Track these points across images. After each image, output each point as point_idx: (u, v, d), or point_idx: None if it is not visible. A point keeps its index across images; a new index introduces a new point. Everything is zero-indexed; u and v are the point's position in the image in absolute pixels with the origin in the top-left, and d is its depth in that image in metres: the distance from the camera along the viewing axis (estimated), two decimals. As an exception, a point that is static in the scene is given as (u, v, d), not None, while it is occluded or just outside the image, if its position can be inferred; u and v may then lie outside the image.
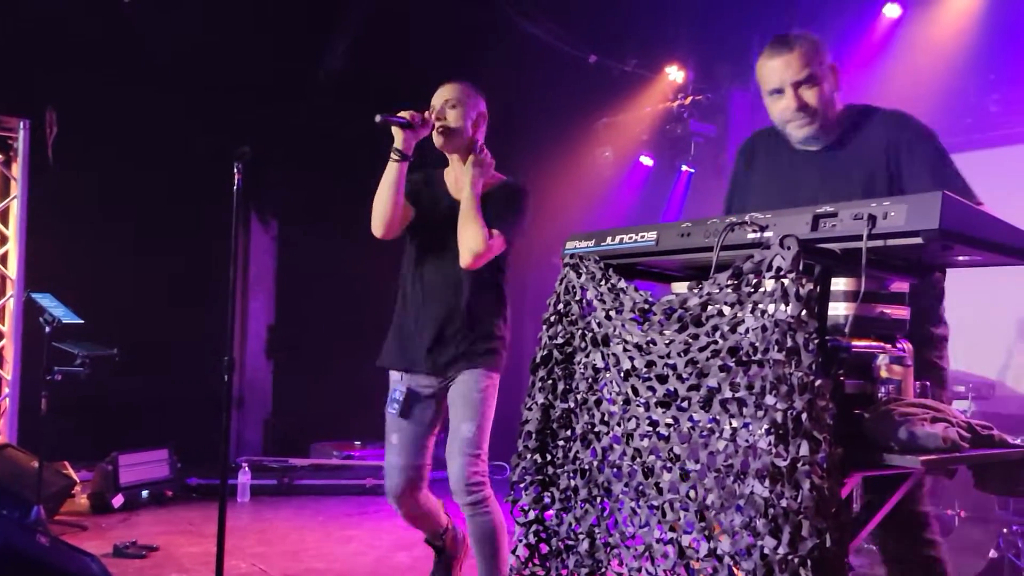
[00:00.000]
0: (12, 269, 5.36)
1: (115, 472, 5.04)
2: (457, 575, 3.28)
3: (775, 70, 2.24)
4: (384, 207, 2.97)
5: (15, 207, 5.39)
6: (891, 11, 5.34)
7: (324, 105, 6.47)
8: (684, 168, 6.06)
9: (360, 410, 6.88)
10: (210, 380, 6.80)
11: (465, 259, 2.93)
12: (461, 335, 3.00)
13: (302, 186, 6.65)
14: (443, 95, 3.10)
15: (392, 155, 2.94)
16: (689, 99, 5.91)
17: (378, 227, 3.01)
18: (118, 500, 5.01)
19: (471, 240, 2.91)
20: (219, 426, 6.74)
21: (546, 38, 5.98)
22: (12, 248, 5.39)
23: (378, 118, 2.87)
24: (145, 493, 5.22)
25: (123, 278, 6.07)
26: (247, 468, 5.71)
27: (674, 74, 6.15)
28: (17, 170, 5.37)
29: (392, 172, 2.95)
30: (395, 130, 2.92)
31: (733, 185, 2.53)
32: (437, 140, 3.04)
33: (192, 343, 6.49)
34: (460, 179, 3.05)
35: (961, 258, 1.60)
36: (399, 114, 2.90)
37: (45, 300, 4.34)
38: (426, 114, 2.97)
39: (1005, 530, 3.60)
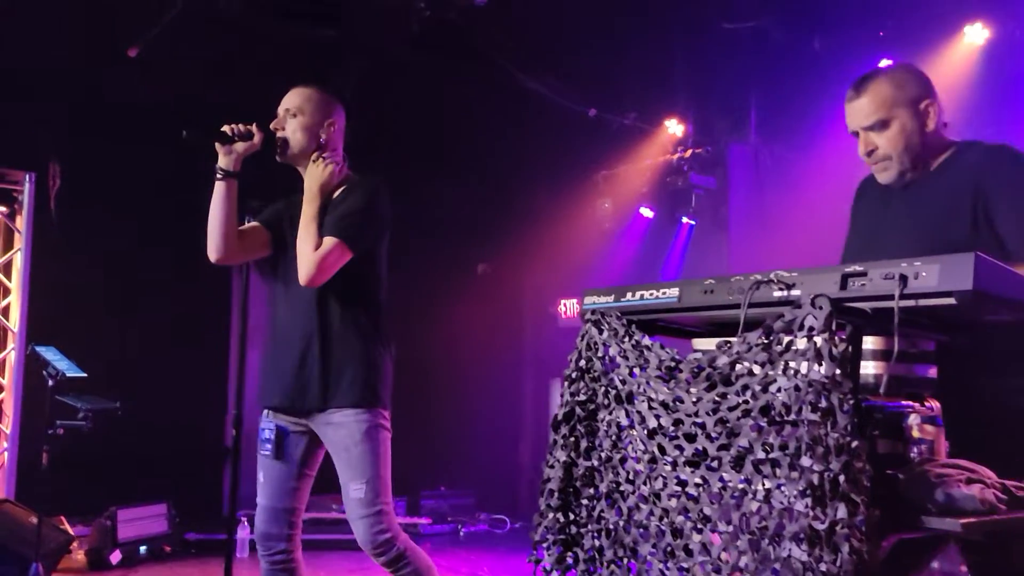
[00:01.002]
0: (14, 322, 5.33)
1: (113, 527, 4.97)
2: None
3: (849, 115, 2.19)
4: (213, 228, 2.76)
5: (18, 259, 5.38)
6: (886, 64, 5.43)
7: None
8: (685, 220, 6.10)
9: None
10: (207, 433, 6.82)
11: (301, 276, 2.64)
12: (321, 365, 2.69)
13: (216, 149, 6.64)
14: (284, 103, 2.86)
15: (216, 174, 2.74)
16: (689, 152, 5.99)
17: (210, 250, 2.79)
18: (116, 556, 4.93)
19: (302, 254, 2.64)
20: (216, 480, 6.68)
21: (546, 93, 6.06)
22: (15, 300, 5.38)
23: (185, 134, 2.67)
24: (143, 549, 5.14)
25: (121, 331, 6.04)
26: (245, 522, 5.62)
27: (673, 128, 6.23)
28: (21, 223, 5.38)
29: (217, 192, 2.75)
30: (217, 146, 2.72)
31: (850, 227, 2.44)
32: (278, 155, 2.81)
33: (189, 396, 6.46)
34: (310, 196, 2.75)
35: (991, 318, 1.61)
36: (221, 129, 2.71)
37: (49, 353, 4.32)
38: (251, 127, 2.73)
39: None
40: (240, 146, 2.73)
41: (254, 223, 2.89)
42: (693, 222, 6.08)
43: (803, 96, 5.72)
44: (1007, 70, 5.03)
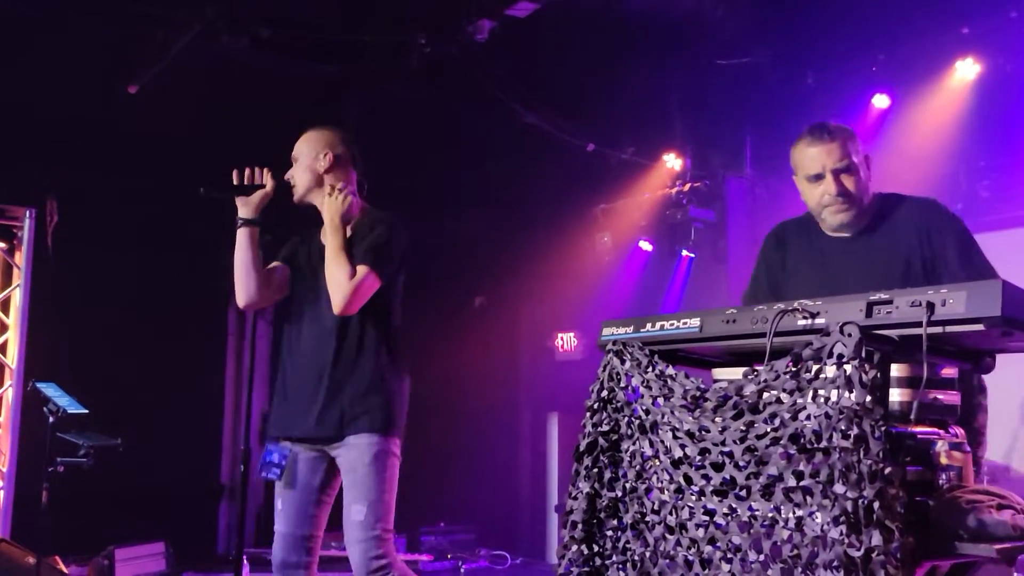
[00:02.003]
0: (12, 358, 5.29)
1: (111, 567, 4.90)
2: None
3: (816, 157, 2.33)
4: (239, 275, 2.84)
5: (17, 296, 5.35)
6: (880, 102, 5.51)
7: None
8: (684, 253, 6.14)
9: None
10: (202, 471, 6.75)
11: (335, 304, 2.69)
12: (336, 392, 2.73)
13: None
14: (295, 151, 3.00)
15: (238, 223, 2.85)
16: (688, 185, 6.04)
17: (239, 297, 2.87)
18: (114, 596, 4.85)
19: (335, 282, 2.70)
20: (212, 518, 6.60)
21: (545, 127, 6.12)
22: (12, 337, 5.34)
23: (202, 191, 2.78)
24: (141, 589, 5.07)
25: (118, 368, 6.00)
26: (246, 561, 5.55)
27: (672, 161, 6.28)
28: (21, 259, 5.36)
29: (240, 240, 2.84)
30: (236, 198, 2.84)
31: (765, 266, 2.56)
32: (294, 199, 2.95)
33: (183, 433, 6.40)
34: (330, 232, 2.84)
35: (1014, 344, 1.63)
36: (233, 182, 2.83)
37: (50, 390, 4.29)
38: (263, 170, 2.87)
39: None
40: (256, 195, 2.84)
41: (276, 263, 2.96)
42: (692, 255, 6.12)
43: (797, 129, 5.76)
44: (998, 104, 5.11)
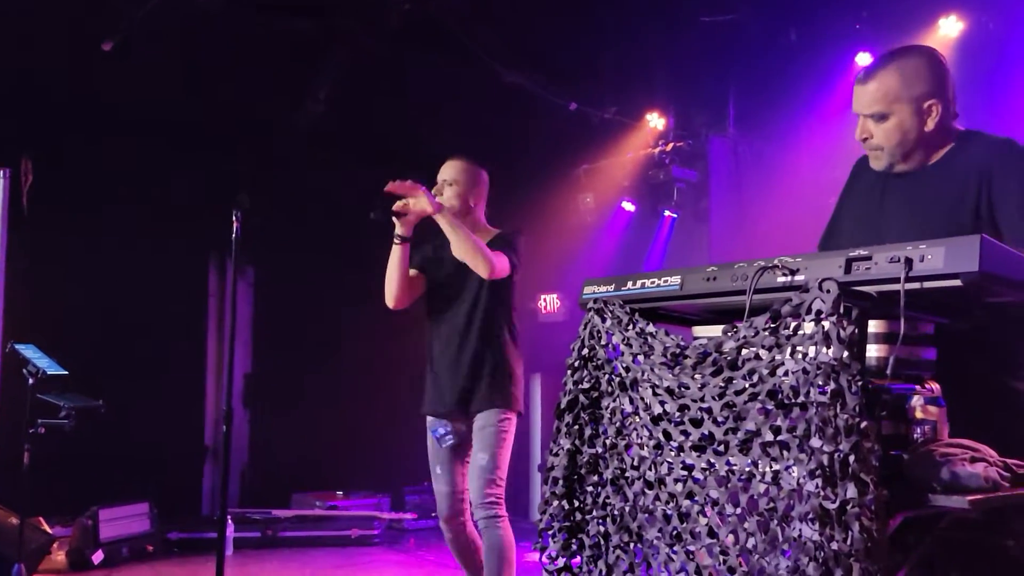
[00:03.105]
0: (-11, 320, 5.23)
1: (95, 527, 4.92)
2: None
3: (855, 97, 2.18)
4: (392, 284, 3.37)
5: (-7, 257, 5.28)
6: (863, 60, 5.48)
7: (299, 150, 6.48)
8: (667, 213, 6.13)
9: (339, 459, 6.80)
10: (185, 431, 6.75)
11: (481, 270, 3.22)
12: (475, 378, 3.35)
13: (278, 232, 6.63)
14: (443, 173, 3.52)
15: (395, 240, 3.32)
16: (671, 145, 6.01)
17: (389, 300, 3.42)
18: (98, 556, 4.88)
19: (475, 253, 3.21)
20: (196, 479, 6.63)
21: (526, 86, 6.06)
22: (-10, 298, 5.28)
23: (372, 215, 3.27)
24: (126, 549, 5.08)
25: (98, 329, 5.97)
26: (229, 520, 5.58)
27: (655, 121, 6.25)
28: (-5, 219, 5.28)
29: (395, 253, 3.35)
30: (395, 220, 3.29)
31: (836, 206, 2.45)
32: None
33: (166, 394, 6.40)
34: None
35: (994, 300, 1.64)
36: (394, 206, 3.26)
37: (29, 351, 4.25)
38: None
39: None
40: (412, 217, 3.30)
41: (414, 271, 3.46)
42: (675, 215, 6.12)
43: (780, 88, 5.78)
44: (981, 62, 5.10)
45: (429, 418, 3.49)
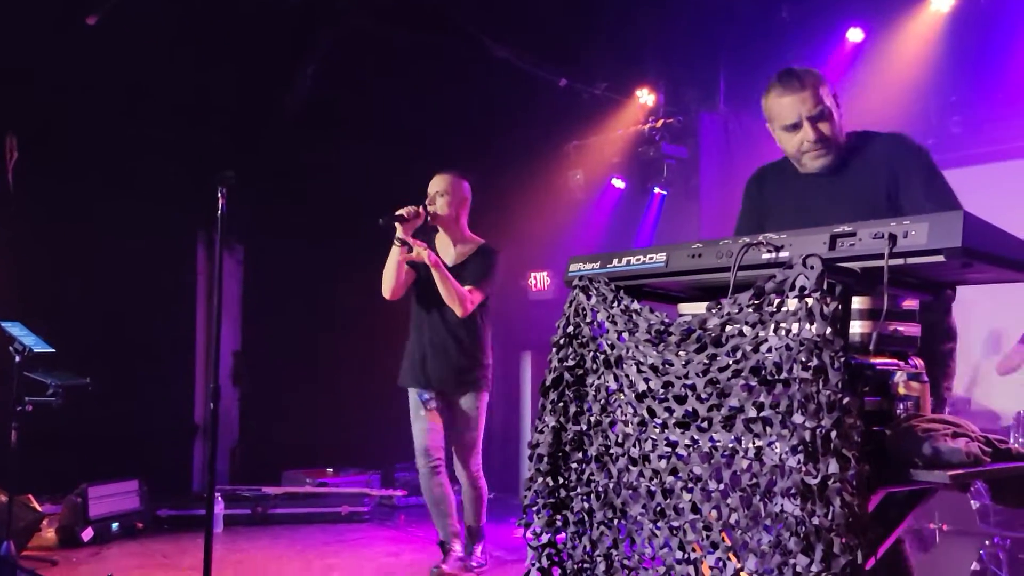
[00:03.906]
0: (-25, 298, 5.20)
1: (84, 505, 4.91)
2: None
3: (790, 106, 2.34)
4: (390, 280, 4.02)
5: (-21, 234, 5.25)
6: (854, 35, 5.47)
7: (288, 128, 6.44)
8: (657, 190, 6.11)
9: (329, 436, 6.81)
10: (175, 409, 6.74)
11: (456, 310, 4.02)
12: (455, 363, 4.08)
13: (267, 210, 6.59)
14: (434, 186, 4.15)
15: (395, 242, 3.96)
16: (661, 122, 5.98)
17: (386, 293, 4.07)
18: (88, 533, 4.88)
19: (453, 300, 4.00)
20: (186, 456, 6.62)
21: (516, 62, 6.01)
22: (-25, 276, 5.25)
23: (381, 221, 3.85)
24: (115, 526, 5.09)
25: (86, 307, 5.94)
26: (219, 497, 5.59)
27: (645, 97, 6.21)
28: (-19, 196, 5.24)
29: (394, 255, 4.00)
30: (397, 225, 3.90)
31: (749, 209, 2.62)
32: (430, 220, 4.07)
33: (156, 372, 6.39)
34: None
35: (974, 275, 1.64)
36: (397, 212, 3.88)
37: (15, 329, 4.23)
38: (419, 208, 3.96)
39: (987, 543, 3.66)
40: (413, 223, 3.96)
41: (406, 267, 4.09)
42: (665, 192, 6.09)
43: (771, 65, 5.70)
44: (972, 37, 5.09)
45: (410, 389, 4.18)
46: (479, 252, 4.17)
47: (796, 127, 2.35)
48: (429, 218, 4.03)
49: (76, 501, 4.92)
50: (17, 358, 4.17)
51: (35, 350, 4.18)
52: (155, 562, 4.56)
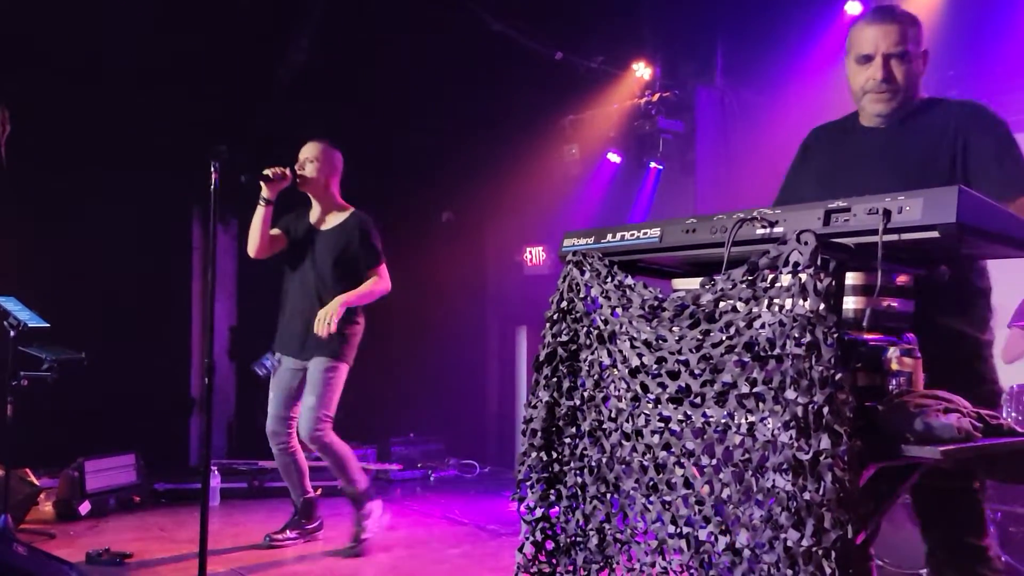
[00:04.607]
0: (-31, 272, 5.19)
1: (81, 478, 4.93)
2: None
3: (871, 37, 2.24)
4: (254, 237, 4.17)
5: (-29, 208, 5.22)
6: (852, 8, 5.42)
7: (282, 101, 6.39)
8: (653, 165, 6.08)
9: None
10: (172, 384, 6.75)
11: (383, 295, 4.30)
12: (314, 329, 4.10)
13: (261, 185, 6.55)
14: (305, 152, 4.28)
15: (260, 201, 4.09)
16: (657, 96, 5.95)
17: (251, 251, 4.24)
18: (85, 507, 4.90)
19: (374, 300, 4.29)
20: (183, 430, 6.63)
21: (511, 34, 5.96)
22: (-32, 250, 5.22)
23: (243, 179, 3.87)
24: (113, 499, 5.11)
25: (82, 282, 5.93)
26: (216, 471, 5.62)
27: (641, 71, 6.17)
28: (-27, 170, 5.21)
29: (259, 213, 4.13)
30: (262, 183, 4.03)
31: (787, 178, 2.53)
32: (299, 185, 4.20)
33: (152, 346, 6.38)
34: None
35: (970, 251, 1.63)
36: (264, 172, 3.99)
37: (9, 303, 4.22)
38: (285, 170, 4.07)
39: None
40: (278, 184, 4.09)
41: (276, 230, 4.30)
42: (660, 167, 6.07)
43: (768, 38, 5.70)
44: (970, 10, 5.05)
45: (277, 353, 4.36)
46: (354, 222, 4.30)
47: (868, 59, 2.25)
48: (297, 181, 4.14)
49: (73, 475, 4.94)
50: (12, 333, 4.16)
51: (30, 325, 4.18)
52: (152, 535, 4.59)
